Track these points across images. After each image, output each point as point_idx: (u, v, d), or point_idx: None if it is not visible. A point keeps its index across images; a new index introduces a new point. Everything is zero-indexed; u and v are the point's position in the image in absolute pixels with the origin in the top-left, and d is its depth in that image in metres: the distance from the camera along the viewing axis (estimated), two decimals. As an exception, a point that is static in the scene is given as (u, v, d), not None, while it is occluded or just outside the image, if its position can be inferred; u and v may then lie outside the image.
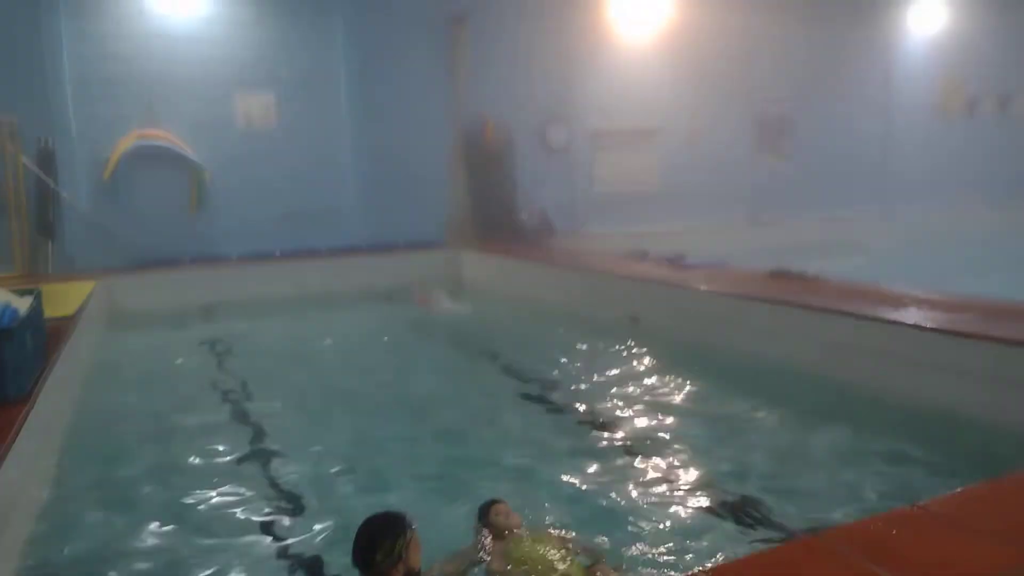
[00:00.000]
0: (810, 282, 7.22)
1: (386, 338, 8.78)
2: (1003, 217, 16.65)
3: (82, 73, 10.27)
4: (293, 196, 11.52)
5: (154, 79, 10.65)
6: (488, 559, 3.22)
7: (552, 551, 3.15)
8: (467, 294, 11.08)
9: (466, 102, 12.54)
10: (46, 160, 10.10)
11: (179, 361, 7.70)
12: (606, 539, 3.53)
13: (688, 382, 6.22)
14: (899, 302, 6.02)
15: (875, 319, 5.50)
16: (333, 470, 4.64)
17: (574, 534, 3.40)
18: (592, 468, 4.55)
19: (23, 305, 4.55)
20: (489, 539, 3.31)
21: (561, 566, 3.06)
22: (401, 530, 2.77)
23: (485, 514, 3.42)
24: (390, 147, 11.98)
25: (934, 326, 5.15)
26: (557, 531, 3.41)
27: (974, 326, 5.02)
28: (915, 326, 5.25)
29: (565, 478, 4.36)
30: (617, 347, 7.40)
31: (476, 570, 3.22)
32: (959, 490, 2.72)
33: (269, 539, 3.83)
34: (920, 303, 5.96)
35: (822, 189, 15.77)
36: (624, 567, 3.27)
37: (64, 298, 7.69)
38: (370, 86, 11.89)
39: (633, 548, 3.50)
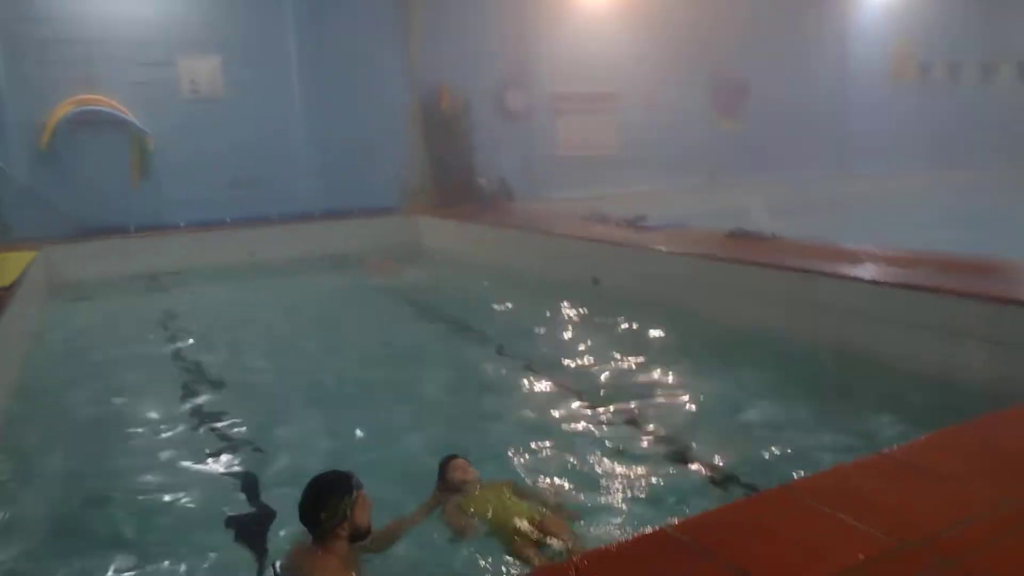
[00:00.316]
0: (768, 242, 7.25)
1: (342, 305, 8.62)
2: (953, 177, 17.04)
3: (14, 35, 9.73)
4: (242, 163, 11.14)
5: (92, 41, 10.13)
6: (445, 513, 3.21)
7: (507, 502, 3.17)
8: (425, 260, 10.96)
9: (422, 66, 12.25)
10: (-23, 126, 9.59)
11: (126, 332, 7.42)
12: (566, 486, 3.54)
13: (649, 341, 6.24)
14: (855, 259, 6.07)
15: (832, 276, 5.52)
16: (286, 431, 4.55)
17: (529, 484, 3.46)
18: (553, 424, 4.53)
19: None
20: (446, 494, 3.32)
21: (516, 519, 3.07)
22: (347, 490, 2.79)
23: (443, 469, 3.43)
24: (343, 112, 11.65)
25: (890, 280, 5.18)
26: (513, 483, 3.44)
27: (928, 280, 5.07)
28: (871, 281, 5.28)
29: (525, 434, 4.32)
30: (579, 308, 7.37)
31: (435, 524, 3.21)
32: (922, 437, 2.72)
33: (223, 503, 3.72)
34: (876, 259, 6.01)
35: (778, 152, 15.90)
36: (580, 520, 3.26)
37: (2, 269, 7.34)
38: (321, 49, 11.50)
39: (595, 501, 3.47)
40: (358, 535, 2.82)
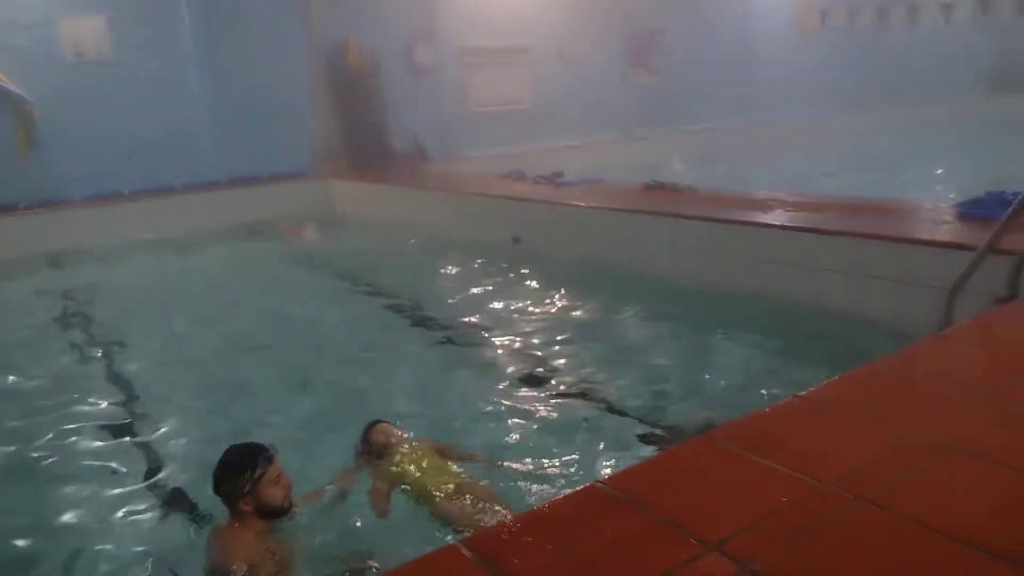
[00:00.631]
0: (683, 193, 7.37)
1: (254, 273, 8.35)
2: (855, 121, 17.71)
3: None
4: (138, 131, 10.53)
5: (-43, 0, 9.30)
6: (370, 479, 3.20)
7: (429, 465, 3.20)
8: (339, 224, 10.71)
9: (325, 21, 11.76)
10: None
11: (24, 316, 6.98)
12: (490, 449, 3.54)
13: (571, 296, 6.29)
14: (766, 206, 6.23)
15: (744, 223, 5.66)
16: (202, 409, 4.44)
17: (452, 445, 3.46)
18: (476, 383, 4.54)
19: None
20: (370, 459, 3.34)
21: (437, 478, 3.10)
22: (248, 464, 2.71)
23: (367, 435, 3.43)
24: (243, 73, 11.11)
25: (798, 225, 5.35)
26: (435, 444, 3.46)
27: (834, 224, 5.25)
28: (781, 227, 5.43)
29: (448, 395, 4.34)
30: (499, 267, 7.36)
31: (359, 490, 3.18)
32: (835, 378, 2.82)
33: (137, 483, 3.62)
34: (785, 204, 6.19)
35: (689, 103, 16.14)
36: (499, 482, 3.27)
37: None
38: (214, 5, 10.88)
39: (522, 464, 3.48)
40: (268, 512, 2.74)
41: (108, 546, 3.16)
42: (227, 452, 2.81)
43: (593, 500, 2.21)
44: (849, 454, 2.30)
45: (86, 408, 4.67)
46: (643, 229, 6.47)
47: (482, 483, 3.16)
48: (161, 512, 3.39)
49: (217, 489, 2.76)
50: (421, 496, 3.09)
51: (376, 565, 2.77)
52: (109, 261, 8.95)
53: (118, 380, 5.17)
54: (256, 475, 2.70)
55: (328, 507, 3.12)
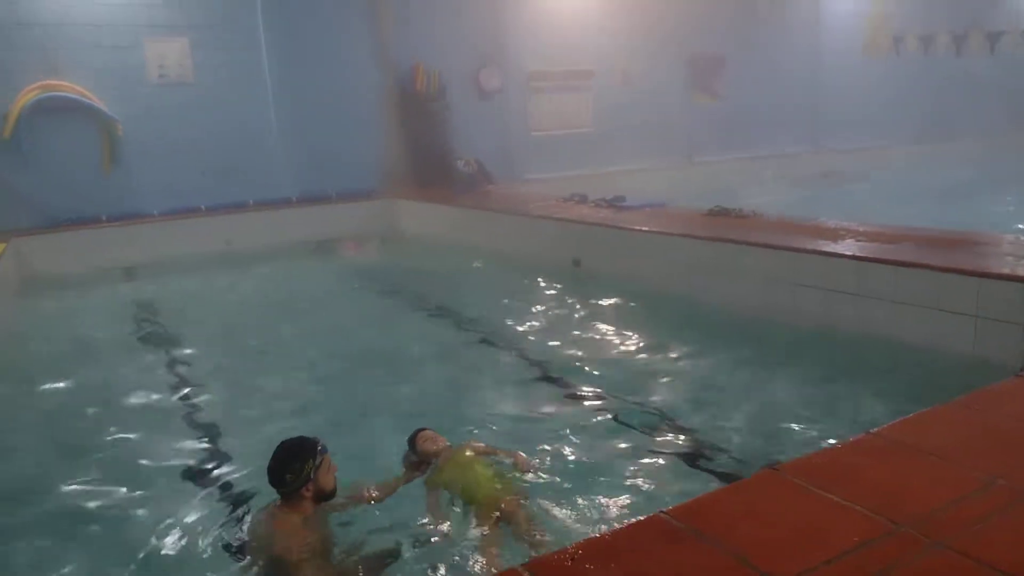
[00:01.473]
0: (748, 219, 7.25)
1: (321, 289, 8.52)
2: (928, 150, 17.19)
3: (-30, 19, 9.43)
4: (215, 149, 10.91)
5: (53, 24, 9.82)
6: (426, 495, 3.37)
7: (476, 467, 3.39)
8: (403, 242, 10.89)
9: (395, 47, 12.06)
10: (-62, 115, 9.30)
11: (103, 325, 7.25)
12: (548, 470, 3.54)
13: (632, 320, 6.24)
14: (836, 235, 6.08)
15: (815, 252, 5.53)
16: (257, 412, 4.58)
17: (494, 448, 3.67)
18: (531, 402, 4.55)
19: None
20: (418, 466, 3.55)
21: (486, 483, 3.28)
22: (311, 453, 3.00)
23: (413, 442, 3.64)
24: (316, 95, 11.44)
25: (872, 256, 5.20)
26: (474, 444, 3.65)
27: (911, 255, 5.09)
28: (854, 257, 5.29)
29: (503, 416, 4.33)
30: (559, 289, 7.35)
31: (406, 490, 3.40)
32: (911, 415, 2.73)
33: (206, 490, 3.76)
34: (857, 235, 6.03)
35: (754, 128, 15.93)
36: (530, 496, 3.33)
37: (-32, 263, 7.15)
38: (291, 29, 11.27)
39: (580, 486, 3.45)
40: (322, 496, 3.05)
41: (166, 525, 3.38)
42: (286, 447, 3.03)
43: (656, 530, 2.18)
44: (927, 495, 2.21)
45: (154, 409, 4.94)
46: (707, 255, 6.38)
47: (510, 497, 3.26)
48: (219, 498, 3.63)
49: (281, 477, 2.97)
50: (465, 497, 3.26)
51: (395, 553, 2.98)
52: (182, 274, 9.27)
53: (183, 383, 5.42)
54: (317, 463, 2.99)
55: (367, 506, 3.32)
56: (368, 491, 3.38)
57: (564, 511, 3.20)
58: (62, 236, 9.62)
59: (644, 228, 7.26)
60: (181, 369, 5.80)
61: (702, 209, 7.80)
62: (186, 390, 5.30)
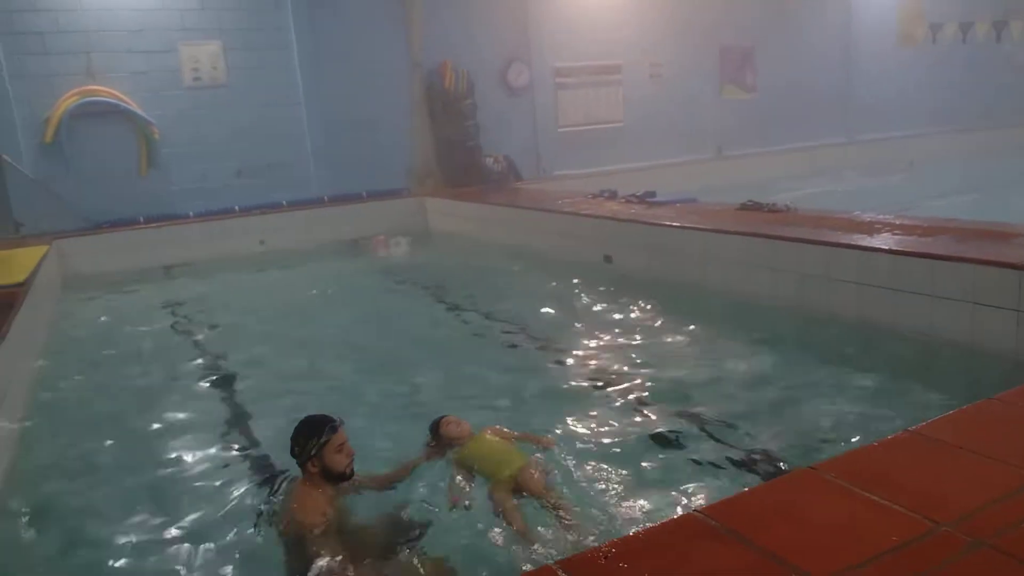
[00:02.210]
0: (781, 213, 7.16)
1: (353, 286, 8.65)
2: (967, 141, 16.81)
3: (12, 26, 9.66)
4: (248, 150, 11.10)
5: (91, 31, 10.05)
6: (452, 472, 3.50)
7: (497, 447, 3.52)
8: (433, 240, 10.96)
9: (423, 45, 12.12)
10: (-18, 122, 9.56)
11: (142, 322, 7.44)
12: (580, 469, 3.55)
13: (664, 316, 6.20)
14: (871, 229, 5.98)
15: (849, 246, 5.45)
16: (297, 404, 4.57)
17: (517, 433, 3.76)
18: (563, 399, 4.56)
19: (-36, 273, 4.28)
20: (440, 449, 3.66)
21: (506, 459, 3.39)
22: (317, 431, 3.10)
23: (436, 428, 3.73)
24: (347, 95, 11.56)
25: (909, 250, 5.11)
26: (502, 430, 3.74)
27: (949, 249, 4.99)
28: (890, 251, 5.20)
29: (538, 411, 4.35)
30: (590, 286, 7.34)
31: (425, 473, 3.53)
32: (951, 413, 2.68)
33: (239, 466, 4.02)
34: (892, 228, 5.92)
35: (787, 121, 15.72)
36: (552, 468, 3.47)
37: (14, 265, 7.35)
38: (321, 31, 11.39)
39: (613, 482, 3.45)
40: (331, 475, 3.11)
41: (207, 498, 3.68)
42: (301, 421, 3.20)
43: (691, 529, 2.18)
44: (968, 494, 2.18)
45: (191, 395, 5.26)
46: (740, 251, 6.32)
47: (532, 465, 3.40)
48: (251, 473, 3.88)
49: (291, 451, 3.15)
50: (486, 476, 3.37)
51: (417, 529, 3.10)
52: (218, 273, 9.44)
53: (218, 371, 5.70)
54: (322, 441, 3.08)
55: (389, 487, 3.47)
56: (388, 474, 3.53)
57: (596, 509, 3.20)
58: (101, 238, 9.86)
59: (676, 223, 7.21)
60: (217, 359, 6.01)
61: (734, 204, 7.73)
62: (220, 377, 5.53)
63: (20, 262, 7.55)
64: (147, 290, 8.84)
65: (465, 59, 12.35)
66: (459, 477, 3.42)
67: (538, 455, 3.59)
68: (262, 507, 3.40)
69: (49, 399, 5.32)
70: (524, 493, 3.27)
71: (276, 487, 3.52)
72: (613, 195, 9.50)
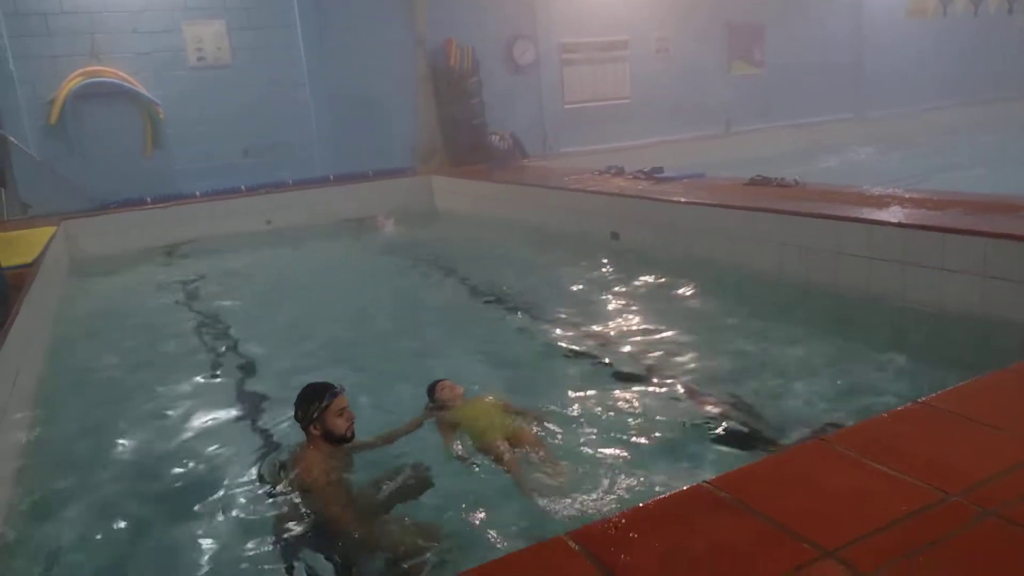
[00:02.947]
0: (790, 188, 7.11)
1: (358, 264, 8.70)
2: (979, 113, 16.63)
3: (15, 7, 9.62)
4: (253, 130, 11.08)
5: (94, 11, 10.00)
6: (438, 426, 3.71)
7: (487, 412, 3.65)
8: (439, 218, 10.95)
9: (427, 23, 12.01)
10: (-13, 103, 9.56)
11: (149, 300, 7.52)
12: (589, 444, 3.58)
13: (671, 292, 6.21)
14: (881, 202, 5.94)
15: (858, 220, 5.41)
16: (302, 372, 4.68)
17: (507, 402, 3.86)
18: (571, 376, 4.57)
19: (-27, 253, 4.29)
20: (435, 411, 3.83)
21: (491, 424, 3.55)
22: (318, 397, 3.27)
23: (432, 392, 3.92)
24: (351, 74, 11.50)
25: (920, 223, 5.07)
26: (491, 398, 3.88)
27: (959, 222, 4.95)
28: (899, 224, 5.16)
29: (543, 386, 4.36)
30: (598, 262, 7.32)
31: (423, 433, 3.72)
32: (961, 384, 2.67)
33: (245, 433, 4.17)
34: (902, 202, 5.88)
35: (795, 97, 15.57)
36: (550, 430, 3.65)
37: (22, 245, 7.38)
38: (324, 10, 11.30)
39: (621, 456, 3.46)
40: (332, 437, 3.27)
41: (218, 463, 3.84)
42: (304, 387, 3.38)
43: (700, 500, 2.18)
44: (978, 465, 2.17)
45: (199, 366, 5.39)
46: (747, 226, 6.28)
47: (524, 428, 3.57)
48: (261, 442, 4.03)
49: (295, 415, 3.33)
50: (475, 436, 3.53)
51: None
52: (224, 252, 9.46)
53: (226, 344, 5.85)
54: (323, 405, 3.25)
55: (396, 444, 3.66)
56: (386, 434, 3.71)
57: (606, 480, 3.22)
58: (108, 218, 9.89)
59: (684, 199, 7.17)
60: (222, 333, 6.11)
61: (742, 179, 7.68)
62: (227, 349, 5.65)
63: (29, 243, 7.58)
64: (154, 269, 8.89)
65: (470, 36, 12.25)
66: (449, 437, 3.61)
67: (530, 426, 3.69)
68: (268, 469, 3.54)
69: (59, 373, 5.41)
70: (516, 446, 3.45)
71: (282, 452, 3.66)
72: (620, 171, 9.45)
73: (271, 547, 3.01)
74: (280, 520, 3.10)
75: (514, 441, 3.47)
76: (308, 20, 11.21)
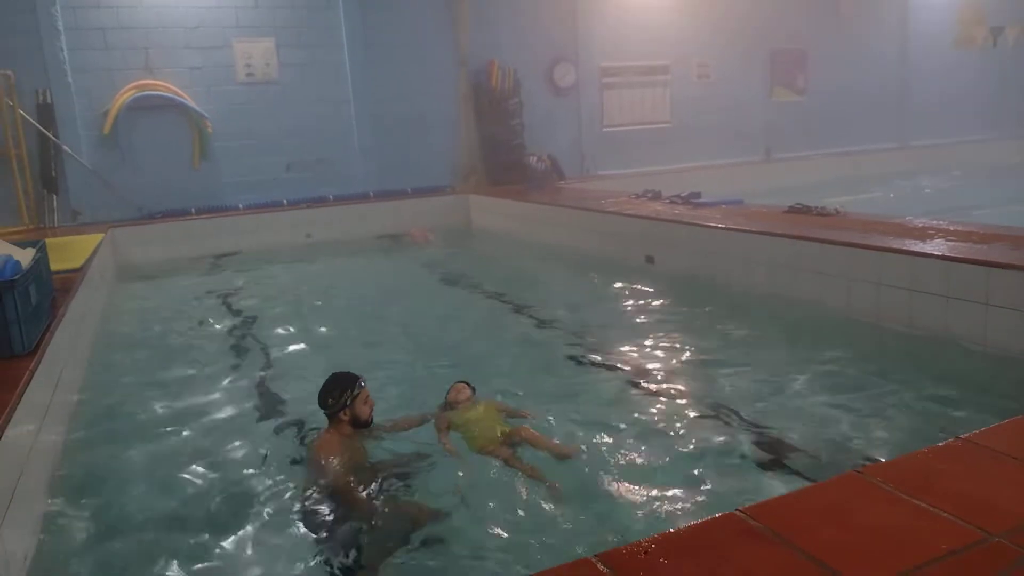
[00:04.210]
0: (831, 217, 7.02)
1: (394, 278, 8.83)
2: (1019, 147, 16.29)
3: (76, 22, 9.99)
4: (297, 145, 11.32)
5: (150, 27, 10.34)
6: (436, 420, 4.00)
7: (485, 416, 3.87)
8: (475, 237, 11.02)
9: (470, 44, 12.19)
10: (45, 113, 9.91)
11: (191, 307, 7.68)
12: (619, 469, 3.57)
13: (706, 320, 6.13)
14: (924, 234, 5.84)
15: (900, 251, 5.33)
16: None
17: (512, 408, 4.12)
18: (605, 400, 4.54)
19: (25, 257, 4.43)
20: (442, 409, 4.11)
21: (483, 434, 3.75)
22: (349, 385, 3.66)
23: (448, 392, 4.20)
24: (394, 93, 11.70)
25: (961, 256, 4.97)
26: (497, 404, 4.11)
27: (1006, 256, 4.84)
28: (942, 257, 5.06)
29: (575, 408, 4.32)
30: (631, 285, 7.30)
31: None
32: (1004, 422, 2.61)
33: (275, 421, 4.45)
34: (946, 234, 5.77)
35: (838, 124, 15.42)
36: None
37: (71, 251, 7.60)
38: (371, 28, 11.53)
39: (653, 483, 3.42)
40: (358, 423, 3.67)
41: (245, 446, 4.12)
42: (332, 377, 3.73)
43: (732, 528, 2.15)
44: (1018, 505, 2.12)
45: (233, 368, 5.60)
46: (784, 254, 6.22)
47: (518, 429, 3.76)
48: (286, 429, 4.33)
49: (324, 402, 3.66)
50: (469, 439, 3.78)
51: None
52: (264, 264, 9.62)
53: (260, 347, 6.09)
54: (355, 393, 3.63)
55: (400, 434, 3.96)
56: (401, 422, 4.03)
57: (637, 505, 3.19)
58: (154, 227, 10.14)
59: (721, 225, 7.13)
60: (259, 339, 6.29)
61: (782, 206, 7.61)
62: (261, 352, 5.84)
63: (77, 249, 7.80)
64: (197, 278, 9.07)
65: (512, 58, 12.39)
66: (444, 434, 3.86)
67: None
68: (298, 452, 3.87)
69: (101, 371, 5.61)
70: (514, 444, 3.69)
71: (306, 436, 4.06)
72: (657, 195, 9.43)
73: (297, 516, 3.32)
74: (304, 492, 3.44)
75: (510, 439, 3.71)
76: (355, 39, 11.45)
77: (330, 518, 3.24)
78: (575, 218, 9.28)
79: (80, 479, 3.84)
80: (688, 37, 14.08)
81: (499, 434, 3.73)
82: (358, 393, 3.64)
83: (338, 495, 3.35)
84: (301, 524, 3.25)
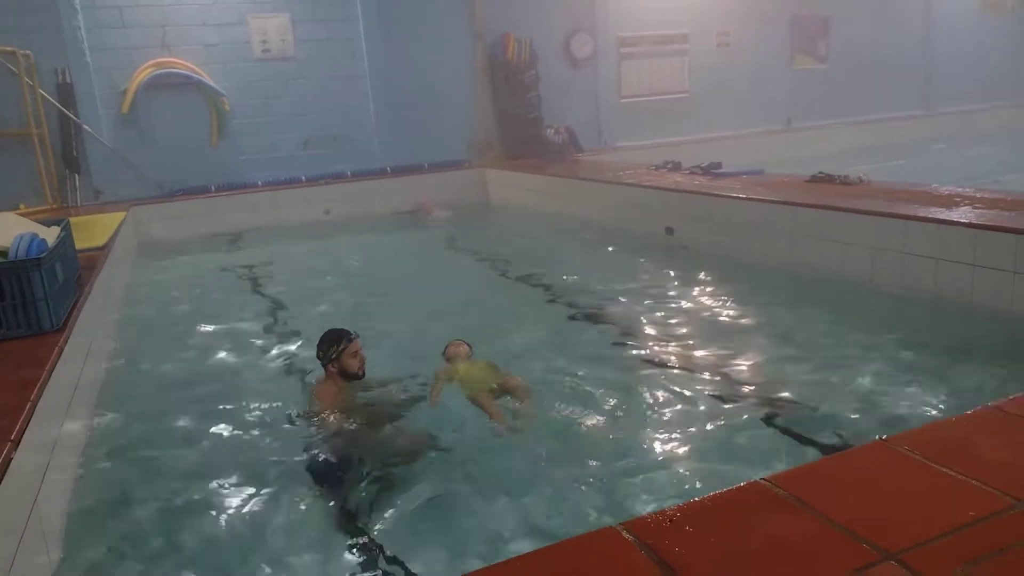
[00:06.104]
0: (854, 186, 6.93)
1: (412, 253, 8.87)
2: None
3: (92, 0, 9.98)
4: (314, 121, 11.30)
5: (165, 4, 10.32)
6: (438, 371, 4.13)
7: (479, 372, 3.99)
8: (493, 211, 11.00)
9: (486, 16, 12.05)
10: (64, 93, 9.96)
11: (211, 282, 7.79)
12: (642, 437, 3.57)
13: (726, 289, 6.11)
14: (950, 202, 5.75)
15: (926, 219, 5.24)
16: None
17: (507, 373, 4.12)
18: (627, 373, 4.51)
19: (51, 236, 4.49)
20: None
21: (478, 379, 3.91)
22: (336, 340, 3.92)
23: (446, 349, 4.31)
24: (410, 68, 11.62)
25: (988, 224, 4.89)
26: (491, 362, 4.14)
27: (1033, 223, 4.75)
28: (969, 225, 4.98)
29: (596, 381, 4.30)
30: (651, 257, 7.27)
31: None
32: (1034, 389, 2.57)
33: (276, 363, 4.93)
34: (973, 201, 5.67)
35: (860, 92, 15.13)
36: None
37: (94, 229, 7.68)
38: (385, 3, 11.43)
39: (676, 452, 3.43)
40: (347, 375, 3.93)
41: (254, 395, 4.46)
42: (326, 332, 4.01)
43: (757, 497, 2.15)
44: (1051, 470, 2.10)
45: (252, 335, 5.84)
46: (807, 224, 6.15)
47: (506, 385, 3.92)
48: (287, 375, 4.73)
49: (317, 354, 3.97)
50: (466, 388, 3.90)
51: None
52: (284, 240, 9.69)
53: (278, 318, 6.30)
54: (340, 347, 3.89)
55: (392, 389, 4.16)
56: (392, 377, 4.22)
57: (661, 475, 3.21)
58: (174, 205, 10.21)
59: (742, 195, 7.05)
60: (279, 311, 6.42)
61: (804, 176, 7.51)
62: (280, 323, 6.02)
63: (100, 227, 7.88)
64: (217, 254, 9.15)
65: (528, 30, 12.24)
66: (438, 387, 3.99)
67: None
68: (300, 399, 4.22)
69: (127, 346, 5.71)
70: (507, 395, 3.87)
71: (307, 386, 4.39)
72: (677, 167, 9.34)
73: (301, 454, 3.61)
74: (306, 435, 3.76)
75: (501, 390, 3.89)
76: (370, 14, 11.36)
77: (325, 453, 3.55)
78: (593, 190, 9.22)
79: (111, 449, 3.92)
80: (708, 5, 13.83)
81: (495, 385, 3.92)
82: (345, 347, 3.88)
83: (329, 434, 3.68)
84: (304, 457, 3.57)
